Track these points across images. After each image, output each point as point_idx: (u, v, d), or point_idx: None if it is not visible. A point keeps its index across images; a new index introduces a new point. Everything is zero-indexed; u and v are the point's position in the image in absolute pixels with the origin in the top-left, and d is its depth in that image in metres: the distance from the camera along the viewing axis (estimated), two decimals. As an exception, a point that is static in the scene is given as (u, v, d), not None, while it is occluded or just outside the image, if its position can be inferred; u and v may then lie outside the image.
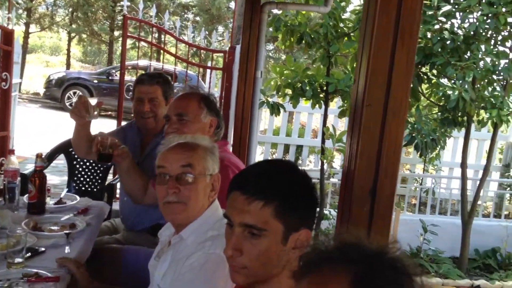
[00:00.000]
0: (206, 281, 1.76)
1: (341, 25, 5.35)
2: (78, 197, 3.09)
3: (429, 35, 5.38)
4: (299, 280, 0.94)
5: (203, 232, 1.87)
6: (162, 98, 3.04)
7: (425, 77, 5.67)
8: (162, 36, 6.25)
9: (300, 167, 1.42)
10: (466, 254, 6.01)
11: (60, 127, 9.68)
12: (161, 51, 6.58)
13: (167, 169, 1.89)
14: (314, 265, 0.93)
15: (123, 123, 4.21)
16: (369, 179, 1.69)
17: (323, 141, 5.80)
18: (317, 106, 5.60)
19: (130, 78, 9.86)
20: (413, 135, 5.51)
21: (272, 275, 1.36)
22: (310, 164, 8.82)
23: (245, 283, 1.39)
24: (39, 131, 10.49)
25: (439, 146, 6.12)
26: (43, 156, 2.84)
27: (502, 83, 5.67)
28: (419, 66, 5.54)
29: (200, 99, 2.59)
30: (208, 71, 7.11)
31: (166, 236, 2.03)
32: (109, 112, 13.31)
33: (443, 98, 5.47)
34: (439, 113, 5.86)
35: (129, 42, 13.00)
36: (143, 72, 5.88)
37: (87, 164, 4.19)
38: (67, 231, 2.48)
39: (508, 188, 7.74)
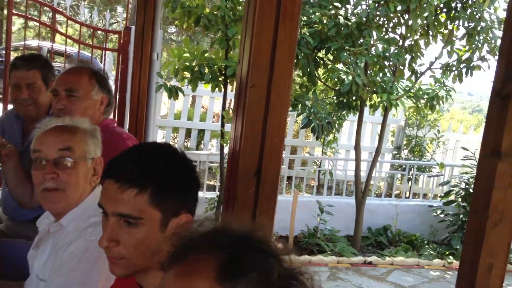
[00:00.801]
0: (87, 270, 1.68)
1: (239, 8, 5.32)
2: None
3: (325, 20, 5.50)
4: (167, 271, 0.91)
5: (84, 219, 1.79)
6: (42, 83, 2.80)
7: (322, 61, 5.81)
8: (57, 15, 5.87)
9: (178, 149, 1.37)
10: (360, 232, 6.29)
11: None
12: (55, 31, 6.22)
13: (44, 153, 1.78)
14: (180, 255, 0.90)
15: (10, 106, 3.93)
16: (254, 161, 1.69)
17: (222, 125, 5.80)
18: (217, 89, 5.58)
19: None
20: (310, 118, 5.65)
21: (152, 264, 1.29)
22: (212, 148, 8.80)
23: (125, 274, 1.33)
24: None
25: (335, 129, 6.34)
26: None
27: (392, 68, 5.94)
28: (316, 51, 5.67)
29: (92, 75, 2.49)
30: (105, 52, 6.84)
31: (46, 224, 1.92)
32: (-1, 96, 12.48)
33: (338, 83, 5.64)
34: (335, 97, 6.04)
35: (21, 21, 12.24)
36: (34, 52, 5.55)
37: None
38: None
39: (399, 169, 8.18)
